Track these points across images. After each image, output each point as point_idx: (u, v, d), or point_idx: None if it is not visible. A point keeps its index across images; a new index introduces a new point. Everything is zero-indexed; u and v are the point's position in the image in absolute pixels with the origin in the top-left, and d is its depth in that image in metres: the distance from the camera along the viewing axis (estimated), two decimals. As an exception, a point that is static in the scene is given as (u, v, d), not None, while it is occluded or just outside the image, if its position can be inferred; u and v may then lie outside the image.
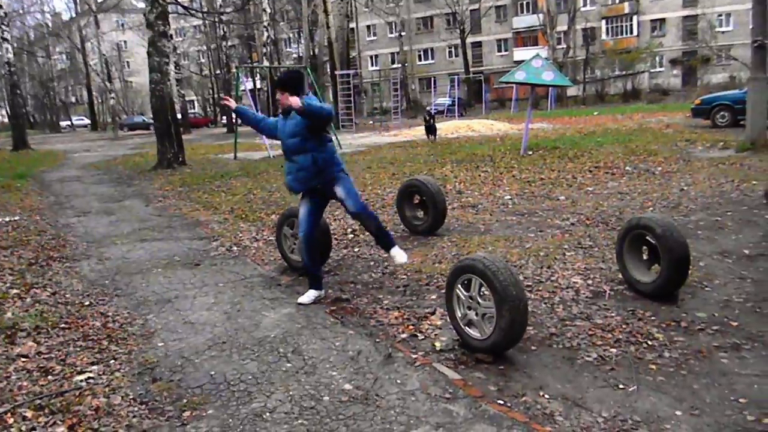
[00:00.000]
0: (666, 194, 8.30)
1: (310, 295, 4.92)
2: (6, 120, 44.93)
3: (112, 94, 42.78)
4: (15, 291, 5.43)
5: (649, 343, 3.87)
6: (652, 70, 48.69)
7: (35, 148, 27.59)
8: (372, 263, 5.94)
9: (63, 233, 8.08)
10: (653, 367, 3.56)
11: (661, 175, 9.84)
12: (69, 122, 66.49)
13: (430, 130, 19.41)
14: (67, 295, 5.33)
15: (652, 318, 4.25)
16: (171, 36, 36.59)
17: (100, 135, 45.24)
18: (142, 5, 41.37)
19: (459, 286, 3.92)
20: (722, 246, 5.80)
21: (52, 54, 60.79)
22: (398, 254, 5.12)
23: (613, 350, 3.79)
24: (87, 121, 62.79)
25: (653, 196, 8.28)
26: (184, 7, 19.34)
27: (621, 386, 3.37)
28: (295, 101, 4.39)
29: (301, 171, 4.77)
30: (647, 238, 4.64)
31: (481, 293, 3.79)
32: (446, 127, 23.42)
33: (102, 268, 6.28)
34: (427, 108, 32.24)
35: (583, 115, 28.92)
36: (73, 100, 72.95)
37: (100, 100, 58.84)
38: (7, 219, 8.94)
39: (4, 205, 10.27)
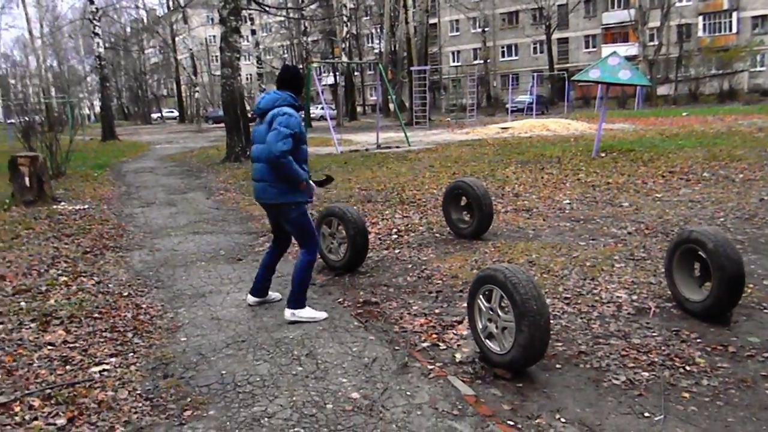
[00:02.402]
0: (742, 204, 7.70)
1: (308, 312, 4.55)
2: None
3: (197, 88, 44.35)
4: (64, 279, 5.64)
5: (688, 368, 3.55)
6: (752, 70, 45.77)
7: (123, 139, 28.98)
8: (410, 266, 5.79)
9: (124, 223, 8.38)
10: (686, 395, 3.26)
11: (741, 183, 9.16)
12: (160, 114, 69.63)
13: None
14: (110, 285, 5.48)
15: (698, 340, 3.91)
16: (254, 31, 37.63)
17: (186, 127, 47.07)
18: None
19: (480, 296, 3.73)
20: (793, 263, 5.30)
21: (145, 48, 63.73)
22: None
23: (645, 374, 3.49)
24: (176, 114, 65.55)
25: (727, 205, 7.70)
26: (259, 4, 19.68)
27: (647, 414, 3.10)
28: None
29: (257, 182, 4.50)
30: (699, 252, 4.27)
31: (502, 305, 3.59)
32: (520, 126, 22.87)
33: (150, 259, 6.44)
34: (507, 105, 31.28)
35: (671, 116, 27.50)
36: (165, 93, 76.35)
37: (188, 94, 61.25)
38: (77, 207, 9.36)
39: (77, 194, 10.78)
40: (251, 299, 4.87)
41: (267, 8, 20.76)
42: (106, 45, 29.04)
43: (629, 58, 14.51)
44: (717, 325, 4.10)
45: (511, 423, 3.07)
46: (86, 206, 9.51)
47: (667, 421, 3.03)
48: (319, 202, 9.27)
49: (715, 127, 19.19)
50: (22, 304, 4.89)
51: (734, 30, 47.44)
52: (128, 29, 63.14)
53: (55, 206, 9.31)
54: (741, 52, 44.84)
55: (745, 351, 3.74)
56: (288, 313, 4.46)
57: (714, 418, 3.04)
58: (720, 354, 3.73)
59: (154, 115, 68.73)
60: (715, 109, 32.40)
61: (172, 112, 70.85)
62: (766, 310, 4.33)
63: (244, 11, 18.46)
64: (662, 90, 43.52)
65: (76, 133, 13.74)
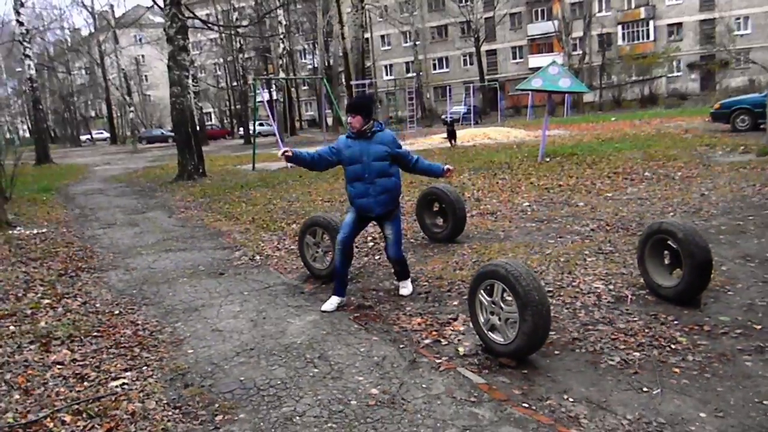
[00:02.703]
0: (686, 199, 8.29)
1: (333, 302, 5.02)
2: (29, 134, 45.64)
3: (131, 108, 43.34)
4: (47, 301, 5.58)
5: (672, 346, 3.90)
6: (669, 75, 48.36)
7: (57, 162, 28.05)
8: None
9: (90, 245, 8.25)
10: (677, 370, 3.60)
11: (681, 180, 9.82)
12: (89, 136, 67.45)
13: (452, 135, 20.38)
14: (97, 305, 5.46)
15: (675, 322, 4.28)
16: (188, 50, 37.19)
17: (120, 148, 45.87)
18: (159, 20, 42.00)
19: (482, 291, 3.98)
20: (744, 250, 5.80)
21: (72, 69, 61.77)
22: (407, 287, 5.32)
23: (636, 354, 3.82)
24: (107, 135, 63.64)
25: (673, 201, 8.27)
26: (203, 21, 19.63)
27: (645, 389, 3.41)
28: (451, 172, 5.20)
29: (384, 194, 4.93)
30: (669, 242, 4.66)
31: (504, 298, 3.85)
32: (463, 135, 23.46)
33: (129, 278, 6.42)
34: (443, 117, 32.25)
35: (601, 121, 28.77)
36: (93, 114, 73.98)
37: (119, 114, 59.68)
38: (36, 231, 9.13)
39: (31, 218, 10.49)
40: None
41: (211, 26, 20.66)
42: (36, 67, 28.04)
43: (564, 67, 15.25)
44: (689, 308, 4.50)
45: (526, 405, 3.32)
46: (44, 230, 9.28)
47: (665, 394, 3.35)
48: (285, 215, 9.38)
49: (644, 130, 20.26)
50: (12, 328, 4.83)
51: (651, 38, 50.03)
52: (51, 50, 61.06)
53: (10, 231, 9.05)
54: (658, 58, 47.32)
55: (718, 329, 4.13)
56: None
57: (705, 389, 3.38)
58: (697, 333, 4.10)
59: (84, 137, 66.50)
60: (640, 113, 34.06)
61: (101, 133, 68.74)
62: (730, 292, 4.77)
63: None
64: (587, 97, 45.23)
65: (19, 157, 13.25)
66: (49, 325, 4.84)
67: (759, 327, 4.10)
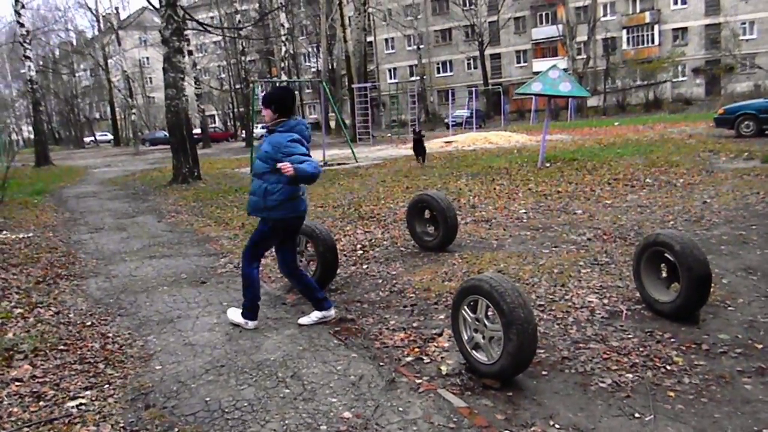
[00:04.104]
0: (688, 207, 8.04)
1: (312, 317, 4.77)
2: (31, 136, 45.56)
3: (134, 110, 43.27)
4: (19, 311, 5.35)
5: (668, 367, 3.66)
6: (674, 80, 48.07)
7: (58, 164, 27.93)
8: (380, 281, 5.78)
9: (74, 250, 8.05)
10: (672, 394, 3.36)
11: (682, 188, 9.57)
12: (93, 138, 67.47)
13: (420, 150, 15.63)
14: (70, 315, 5.24)
15: (672, 340, 4.04)
16: (191, 52, 37.06)
17: (122, 150, 45.80)
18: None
19: (465, 307, 3.75)
20: (746, 262, 5.55)
21: (76, 71, 61.82)
22: (308, 318, 4.75)
23: (629, 375, 3.58)
24: (110, 137, 63.68)
25: (674, 209, 8.02)
26: (200, 23, 19.43)
27: (637, 415, 3.17)
28: (287, 169, 4.15)
29: (252, 195, 4.56)
30: (666, 255, 4.42)
31: (488, 315, 3.62)
32: (463, 140, 23.25)
33: (108, 286, 6.20)
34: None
35: (604, 126, 28.56)
36: (97, 116, 74.08)
37: (122, 116, 59.65)
38: (21, 236, 8.93)
39: (19, 222, 10.29)
40: (318, 315, 4.77)
41: (208, 28, 20.48)
42: (36, 68, 27.97)
43: (565, 71, 14.96)
44: (687, 325, 4.25)
45: (508, 432, 3.09)
46: (30, 234, 9.08)
47: (658, 421, 3.11)
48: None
49: (647, 135, 20.03)
50: (-23, 340, 4.62)
51: (656, 42, 49.78)
52: (57, 52, 61.13)
53: (-5, 236, 8.86)
54: (663, 63, 47.11)
55: (717, 348, 3.89)
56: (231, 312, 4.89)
57: (701, 415, 3.14)
58: (695, 352, 3.86)
59: (87, 139, 66.51)
60: (644, 118, 33.85)
61: (105, 135, 68.78)
62: (730, 308, 4.52)
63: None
64: (592, 101, 45.10)
65: (12, 159, 13.06)
66: (16, 337, 4.61)
67: (760, 346, 3.86)
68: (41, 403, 3.52)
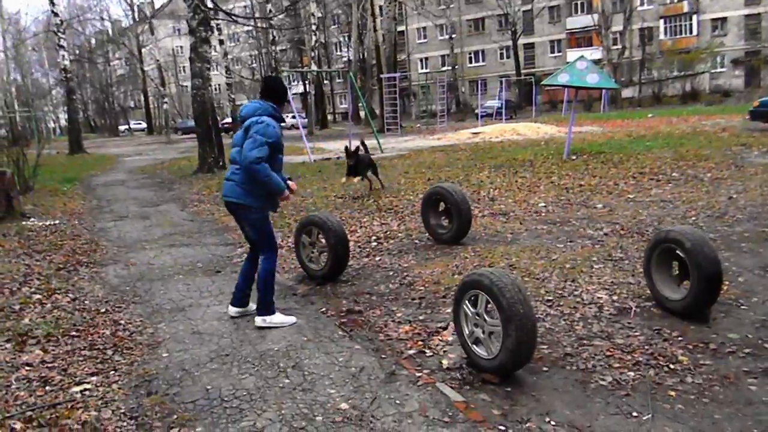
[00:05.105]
0: (712, 203, 7.86)
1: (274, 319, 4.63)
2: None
3: (166, 99, 43.87)
4: (38, 296, 5.50)
5: (672, 366, 3.60)
6: (712, 71, 46.82)
7: (91, 152, 28.48)
8: (391, 273, 5.78)
9: (97, 237, 8.22)
10: (672, 393, 3.30)
11: (709, 182, 9.35)
12: (127, 126, 68.62)
13: (355, 168, 10.29)
14: (86, 302, 5.36)
15: (679, 339, 3.97)
16: (222, 41, 37.39)
17: (155, 139, 46.48)
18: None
19: (466, 301, 3.74)
20: (766, 260, 5.41)
21: (110, 60, 62.86)
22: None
23: (631, 374, 3.53)
24: (144, 125, 64.70)
25: (698, 204, 7.85)
26: (228, 13, 19.56)
27: (635, 414, 3.13)
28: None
29: (228, 180, 4.58)
30: (677, 252, 4.34)
31: (488, 310, 3.60)
32: (491, 131, 23.05)
33: (126, 274, 6.33)
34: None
35: (637, 118, 27.99)
36: (132, 104, 75.30)
37: (155, 105, 60.52)
38: (48, 223, 9.15)
39: (47, 209, 10.54)
40: (233, 310, 4.82)
41: (235, 18, 20.64)
42: (71, 57, 28.55)
43: (594, 62, 14.65)
44: (697, 323, 4.17)
45: (503, 428, 3.07)
46: (57, 221, 9.30)
47: (656, 420, 3.06)
48: (296, 211, 9.21)
49: (680, 127, 19.58)
50: (-5, 324, 4.76)
51: (694, 32, 48.52)
52: (93, 41, 62.21)
53: (24, 222, 9.09)
54: (701, 54, 45.85)
55: (725, 347, 3.81)
56: (259, 320, 4.57)
57: (701, 416, 3.08)
58: (702, 351, 3.78)
59: (122, 128, 67.68)
60: (678, 110, 33.07)
61: (140, 123, 69.86)
62: (743, 307, 4.42)
63: (212, 21, 18.32)
64: (627, 92, 44.24)
65: (43, 147, 13.37)
66: (31, 323, 4.74)
67: (771, 347, 3.76)
68: (47, 387, 3.62)
